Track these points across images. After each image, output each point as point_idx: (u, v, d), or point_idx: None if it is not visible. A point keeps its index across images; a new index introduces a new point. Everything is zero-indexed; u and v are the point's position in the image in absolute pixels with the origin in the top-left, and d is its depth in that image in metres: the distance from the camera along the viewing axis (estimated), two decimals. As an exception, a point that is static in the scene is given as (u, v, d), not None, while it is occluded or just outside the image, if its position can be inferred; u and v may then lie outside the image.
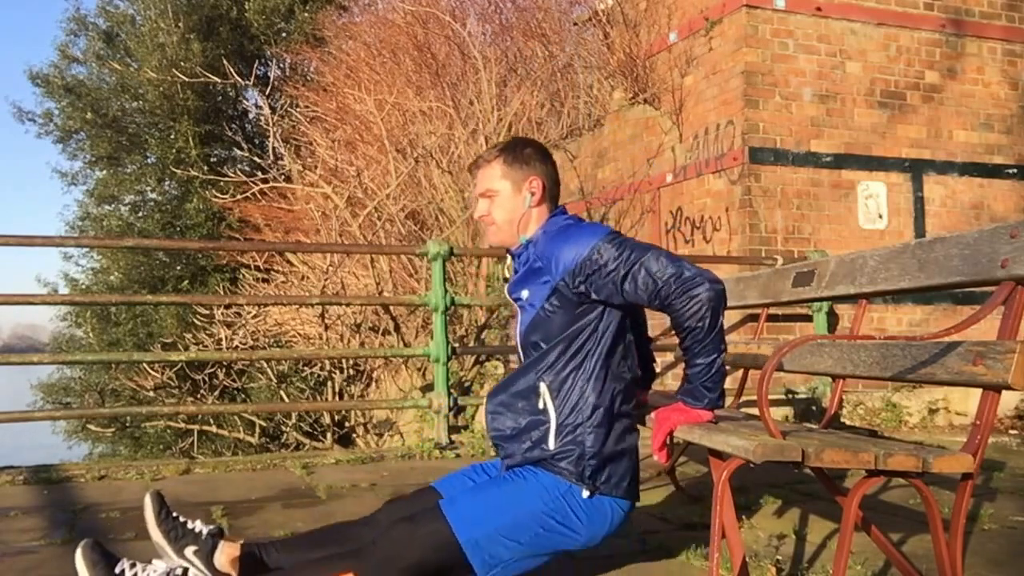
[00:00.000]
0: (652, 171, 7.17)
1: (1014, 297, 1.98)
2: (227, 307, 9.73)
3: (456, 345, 5.54)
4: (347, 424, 9.59)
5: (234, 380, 11.27)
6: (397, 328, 8.17)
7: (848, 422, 5.78)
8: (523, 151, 2.40)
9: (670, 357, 6.30)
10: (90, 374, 14.95)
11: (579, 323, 2.25)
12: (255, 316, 9.67)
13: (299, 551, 2.28)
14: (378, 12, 11.39)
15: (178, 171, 13.43)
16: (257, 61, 13.94)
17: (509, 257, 2.47)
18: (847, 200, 6.36)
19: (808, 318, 5.90)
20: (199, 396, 10.81)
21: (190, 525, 2.30)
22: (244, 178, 10.23)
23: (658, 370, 6.96)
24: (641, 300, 2.19)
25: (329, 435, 9.45)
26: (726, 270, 6.15)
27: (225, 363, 10.66)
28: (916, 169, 6.55)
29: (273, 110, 10.29)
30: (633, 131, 7.50)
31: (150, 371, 11.26)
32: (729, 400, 4.22)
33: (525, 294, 2.34)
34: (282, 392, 10.46)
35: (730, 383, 5.94)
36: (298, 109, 10.90)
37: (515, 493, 2.16)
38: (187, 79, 12.18)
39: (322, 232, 9.18)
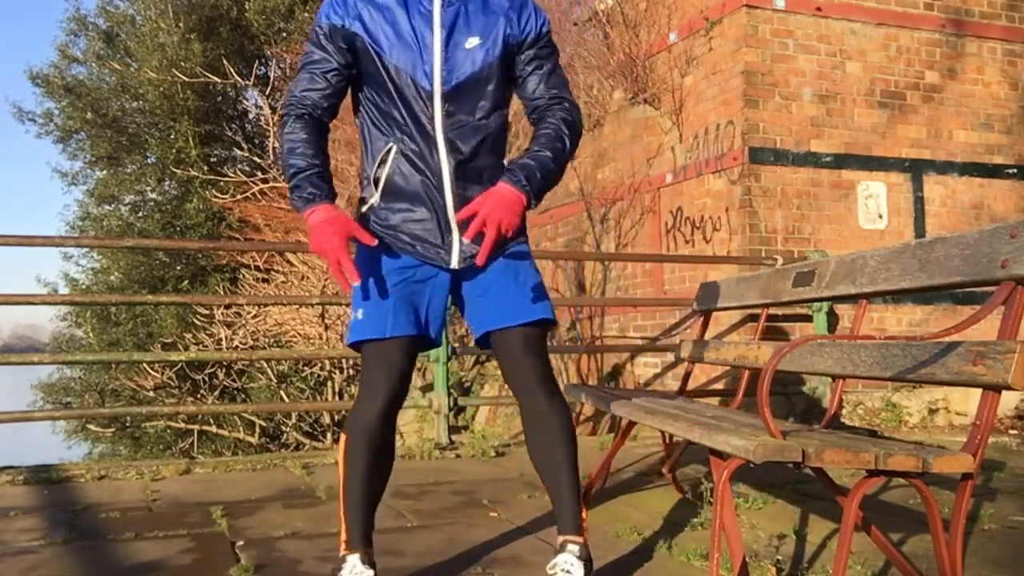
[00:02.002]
0: (652, 171, 7.17)
1: (1014, 297, 1.98)
2: (227, 307, 9.74)
3: (456, 345, 5.54)
4: (347, 424, 9.59)
5: (234, 380, 11.28)
6: (397, 328, 8.16)
7: (848, 422, 5.78)
8: None
9: (670, 357, 6.30)
10: (90, 374, 14.95)
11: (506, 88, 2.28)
12: (255, 316, 9.67)
13: None
14: (378, 12, 11.36)
15: (178, 171, 13.43)
16: (257, 61, 13.94)
17: None
18: (847, 200, 6.36)
19: (808, 318, 5.90)
20: (199, 396, 10.82)
21: None
22: (244, 178, 10.25)
23: (658, 370, 6.97)
24: (533, 96, 2.26)
25: (329, 435, 9.46)
26: (726, 270, 6.15)
27: (225, 363, 10.66)
28: (916, 169, 6.55)
29: (273, 110, 10.30)
30: (633, 131, 7.50)
31: (150, 371, 11.27)
32: (729, 400, 4.22)
33: (475, 41, 2.19)
34: (282, 392, 10.47)
35: (731, 383, 5.95)
36: (298, 109, 10.89)
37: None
38: (187, 79, 12.18)
39: (322, 232, 9.17)
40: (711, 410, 2.99)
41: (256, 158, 10.37)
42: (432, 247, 2.19)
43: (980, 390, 1.99)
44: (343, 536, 2.19)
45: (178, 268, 14.61)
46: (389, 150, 2.19)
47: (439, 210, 2.20)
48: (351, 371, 9.33)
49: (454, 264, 2.20)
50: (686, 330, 6.48)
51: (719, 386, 5.91)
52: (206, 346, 10.14)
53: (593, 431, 7.31)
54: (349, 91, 2.30)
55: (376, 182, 2.21)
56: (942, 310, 6.45)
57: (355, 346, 2.21)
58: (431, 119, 2.19)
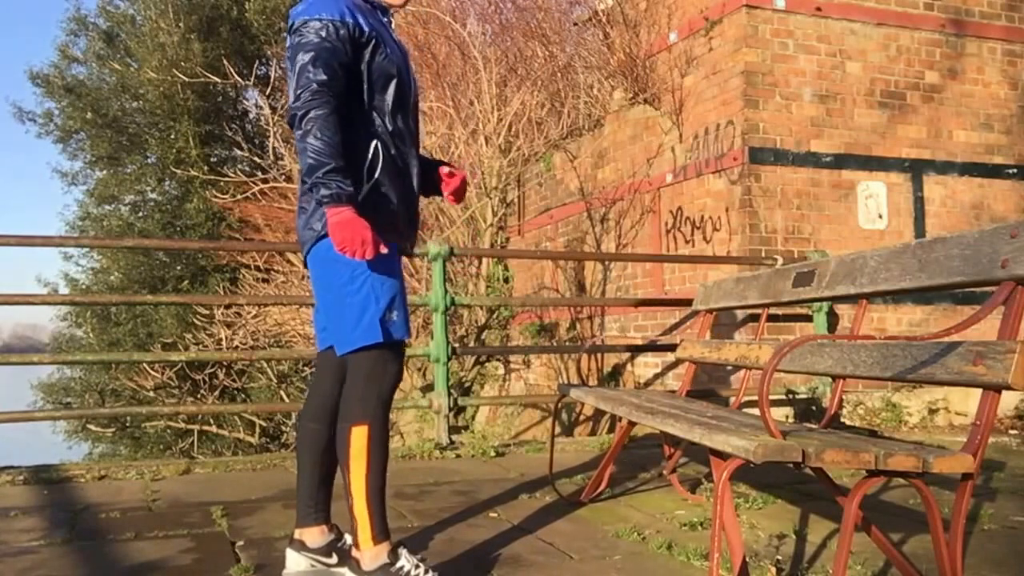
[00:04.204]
0: (652, 171, 7.17)
1: (1014, 297, 1.98)
2: (227, 307, 9.74)
3: (456, 345, 5.54)
4: (347, 424, 9.59)
5: (234, 380, 11.28)
6: (397, 328, 8.15)
7: (848, 422, 5.78)
8: None
9: (670, 357, 6.30)
10: (90, 374, 14.96)
11: None
12: (255, 316, 9.68)
13: None
14: (378, 12, 11.36)
15: (178, 171, 13.43)
16: (257, 61, 13.93)
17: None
18: (847, 200, 6.36)
19: (808, 318, 5.90)
20: (199, 396, 10.82)
21: None
22: (244, 178, 10.25)
23: (658, 370, 6.98)
24: None
25: (329, 435, 9.45)
26: (726, 270, 6.15)
27: (225, 363, 10.66)
28: (916, 169, 6.55)
29: (273, 110, 10.29)
30: (633, 131, 7.50)
31: (150, 371, 11.27)
32: (730, 400, 4.22)
33: None
34: (282, 392, 10.47)
35: (731, 383, 5.95)
36: (298, 109, 10.88)
37: None
38: (187, 79, 12.18)
39: (322, 232, 9.17)
40: (711, 410, 2.99)
41: (256, 158, 10.36)
42: (403, 238, 2.41)
43: (980, 390, 1.99)
44: (369, 532, 2.21)
45: (178, 268, 14.62)
46: (376, 148, 2.29)
47: (411, 204, 2.40)
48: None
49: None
50: (686, 330, 6.48)
51: (719, 386, 5.90)
52: (206, 346, 10.14)
53: (593, 431, 7.31)
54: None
55: (368, 176, 2.28)
56: (942, 310, 6.45)
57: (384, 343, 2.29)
58: (414, 127, 2.42)
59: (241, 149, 11.31)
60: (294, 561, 2.39)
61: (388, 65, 2.31)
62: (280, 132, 10.00)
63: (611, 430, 6.64)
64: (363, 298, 2.24)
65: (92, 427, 13.93)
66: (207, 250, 12.82)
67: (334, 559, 2.38)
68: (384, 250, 2.22)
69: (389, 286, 2.28)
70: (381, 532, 2.22)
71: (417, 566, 2.21)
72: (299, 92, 2.16)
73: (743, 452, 1.91)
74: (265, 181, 9.98)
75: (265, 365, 10.51)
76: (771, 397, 3.45)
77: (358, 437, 2.23)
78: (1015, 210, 6.79)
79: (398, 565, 2.19)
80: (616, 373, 7.52)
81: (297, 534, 2.42)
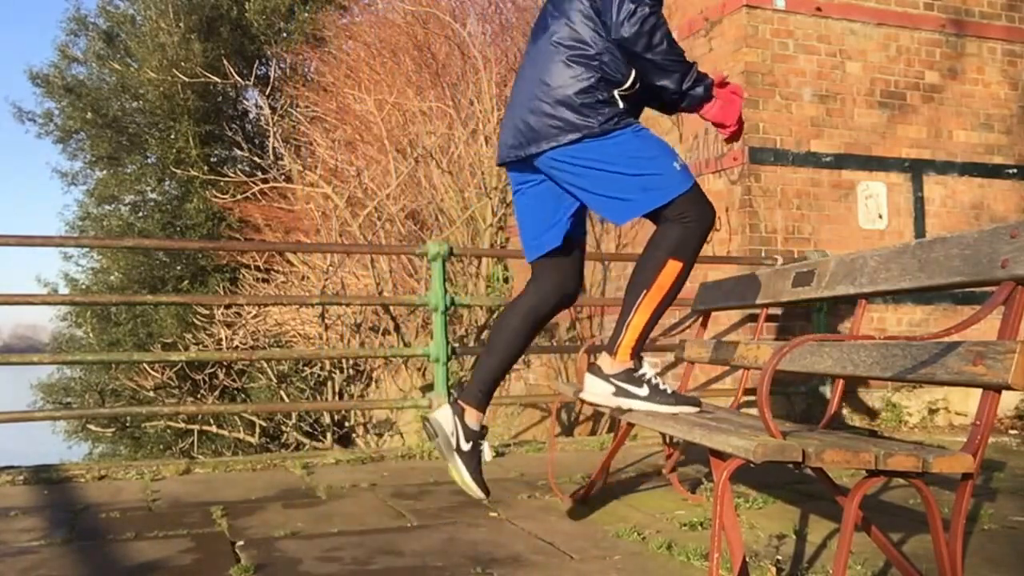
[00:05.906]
0: (652, 171, 7.16)
1: (1014, 297, 1.98)
2: (227, 307, 9.75)
3: (456, 345, 5.55)
4: (347, 424, 9.60)
5: (234, 380, 11.28)
6: (397, 328, 8.17)
7: (848, 422, 5.78)
8: None
9: (670, 357, 6.30)
10: (90, 374, 14.96)
11: None
12: (255, 316, 9.68)
13: None
14: (378, 12, 11.41)
15: (178, 171, 13.44)
16: (257, 61, 13.95)
17: None
18: (847, 200, 6.36)
19: (808, 318, 5.90)
20: (199, 396, 10.82)
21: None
22: (244, 178, 10.25)
23: (658, 369, 6.97)
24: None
25: (329, 435, 9.46)
26: (726, 270, 6.15)
27: (225, 363, 10.66)
28: (916, 169, 6.55)
29: (273, 110, 10.30)
30: (633, 131, 7.50)
31: (150, 371, 11.27)
32: (729, 400, 4.22)
33: None
34: (282, 392, 10.47)
35: (731, 383, 5.95)
36: (298, 109, 10.93)
37: None
38: (187, 79, 12.19)
39: (322, 232, 9.19)
40: (710, 410, 2.99)
41: (256, 158, 10.37)
42: None
43: (980, 390, 1.99)
44: (631, 348, 2.47)
45: (178, 268, 14.63)
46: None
47: None
48: (351, 371, 9.33)
49: None
50: (686, 330, 6.48)
51: (719, 386, 5.90)
52: (206, 346, 10.14)
53: (593, 431, 7.31)
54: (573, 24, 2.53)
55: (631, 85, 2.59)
56: (942, 310, 6.45)
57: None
58: None
59: (241, 149, 11.32)
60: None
61: None
62: (280, 132, 10.01)
63: (611, 430, 6.64)
64: (662, 159, 2.49)
65: (92, 427, 13.93)
66: (207, 250, 12.83)
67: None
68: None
69: (668, 145, 2.59)
70: (638, 353, 2.49)
71: (657, 376, 2.46)
72: (633, 7, 2.37)
73: (743, 452, 1.91)
74: (265, 181, 9.99)
75: (265, 365, 10.50)
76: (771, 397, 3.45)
77: (670, 271, 2.43)
78: (1015, 210, 6.79)
79: (641, 371, 2.47)
80: (616, 373, 7.51)
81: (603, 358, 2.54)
